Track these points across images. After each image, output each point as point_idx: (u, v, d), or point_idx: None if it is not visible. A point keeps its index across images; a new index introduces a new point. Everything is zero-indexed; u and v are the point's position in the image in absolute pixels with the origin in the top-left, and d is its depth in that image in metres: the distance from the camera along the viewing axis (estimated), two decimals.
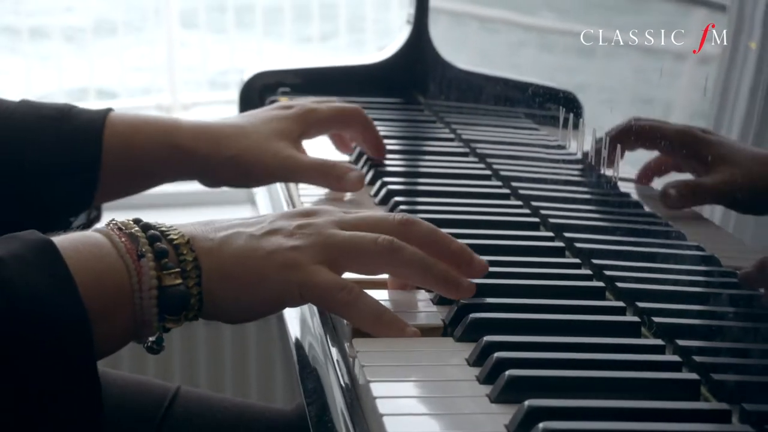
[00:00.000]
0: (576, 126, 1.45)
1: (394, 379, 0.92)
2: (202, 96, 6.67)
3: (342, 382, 0.97)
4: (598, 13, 1.44)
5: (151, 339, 0.95)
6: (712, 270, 1.03)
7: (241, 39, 6.58)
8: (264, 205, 1.62)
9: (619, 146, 1.18)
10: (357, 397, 0.94)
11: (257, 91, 1.89)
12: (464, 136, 1.64)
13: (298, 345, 1.11)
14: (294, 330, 1.15)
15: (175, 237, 0.95)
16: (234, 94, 1.98)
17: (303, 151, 1.38)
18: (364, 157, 1.49)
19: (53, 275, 0.88)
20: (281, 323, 1.29)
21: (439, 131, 1.70)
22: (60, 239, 0.92)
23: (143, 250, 0.93)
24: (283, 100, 1.48)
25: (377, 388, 0.89)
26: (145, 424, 1.23)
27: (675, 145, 1.10)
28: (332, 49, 6.91)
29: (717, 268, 1.02)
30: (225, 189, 1.42)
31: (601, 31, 1.40)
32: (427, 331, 1.01)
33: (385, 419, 0.85)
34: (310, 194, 1.39)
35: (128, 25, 6.81)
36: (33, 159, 1.25)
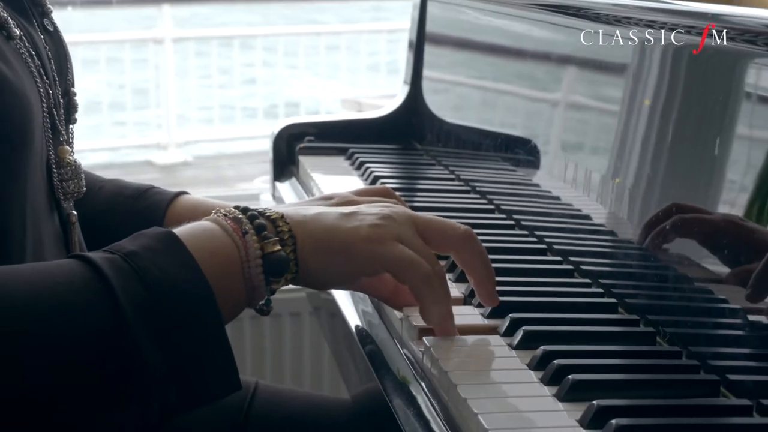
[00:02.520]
0: (537, 166, 1.43)
1: (474, 383, 0.89)
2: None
3: (422, 383, 0.94)
4: (545, 80, 1.43)
5: (261, 302, 0.92)
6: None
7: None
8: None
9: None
10: (439, 397, 0.91)
11: (285, 139, 1.85)
12: (462, 176, 1.61)
13: (364, 341, 1.08)
14: (353, 322, 1.13)
15: (271, 213, 0.92)
16: None
17: None
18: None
19: (179, 259, 0.85)
20: (335, 320, 1.25)
21: (440, 172, 1.67)
22: (177, 229, 0.89)
23: (246, 227, 0.90)
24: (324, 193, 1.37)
25: (464, 390, 0.86)
26: (233, 415, 1.20)
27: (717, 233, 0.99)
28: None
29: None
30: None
31: (547, 94, 1.40)
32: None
33: (480, 417, 0.82)
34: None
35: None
36: (111, 227, 1.18)
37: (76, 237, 1.06)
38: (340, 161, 1.76)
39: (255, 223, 0.91)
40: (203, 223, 0.91)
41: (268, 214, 0.92)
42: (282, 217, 0.92)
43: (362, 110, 4.87)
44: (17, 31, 0.98)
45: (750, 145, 0.95)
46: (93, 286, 0.81)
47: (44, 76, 1.01)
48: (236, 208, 0.93)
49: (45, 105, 1.00)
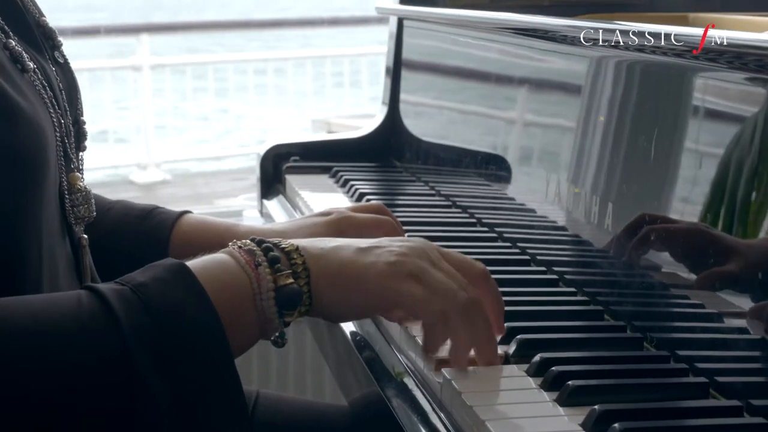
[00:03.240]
0: (507, 181, 1.43)
1: (477, 391, 0.87)
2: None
3: (424, 390, 0.92)
4: (509, 100, 1.43)
5: (275, 334, 0.88)
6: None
7: None
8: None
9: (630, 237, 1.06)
10: (443, 404, 0.89)
11: (271, 159, 1.83)
12: (443, 192, 1.59)
13: (361, 348, 1.06)
14: (348, 327, 1.11)
15: (286, 246, 0.87)
16: None
17: None
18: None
19: (188, 290, 0.80)
20: (328, 326, 1.23)
21: (421, 188, 1.66)
22: (192, 261, 0.85)
23: (259, 260, 0.85)
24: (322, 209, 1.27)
25: (469, 398, 0.85)
26: None
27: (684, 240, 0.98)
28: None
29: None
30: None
31: (508, 113, 1.39)
32: None
33: (488, 423, 0.80)
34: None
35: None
36: (120, 247, 1.17)
37: (87, 260, 1.03)
38: (325, 179, 1.74)
39: (269, 255, 0.86)
40: (217, 255, 0.87)
41: (282, 246, 0.87)
42: (297, 249, 0.87)
43: (332, 130, 4.86)
44: (31, 65, 0.95)
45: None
46: (99, 317, 0.78)
47: (56, 106, 0.99)
48: (252, 240, 0.88)
49: (58, 134, 0.97)
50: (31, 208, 0.91)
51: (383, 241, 0.91)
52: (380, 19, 2.08)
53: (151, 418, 0.76)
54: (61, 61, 1.05)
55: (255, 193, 1.88)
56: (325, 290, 0.87)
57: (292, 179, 1.74)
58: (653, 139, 1.02)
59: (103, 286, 0.81)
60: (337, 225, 1.18)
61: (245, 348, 0.86)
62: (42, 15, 1.05)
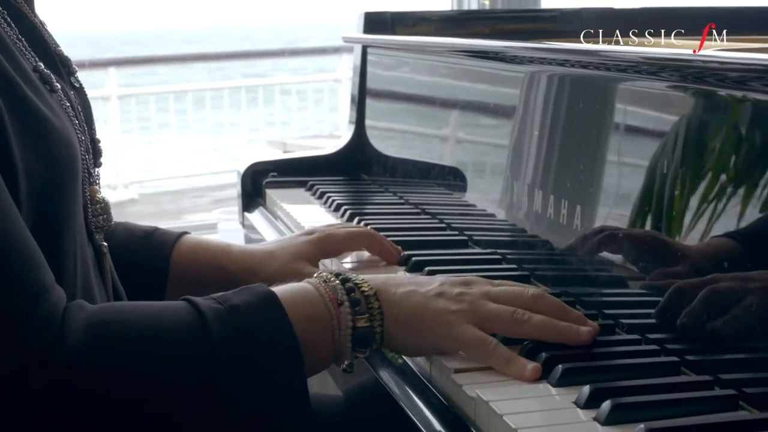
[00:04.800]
0: (464, 189, 1.43)
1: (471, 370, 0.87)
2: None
3: (422, 376, 0.92)
4: (463, 122, 1.44)
5: (346, 362, 0.89)
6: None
7: None
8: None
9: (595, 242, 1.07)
10: (437, 385, 0.89)
11: (250, 175, 1.82)
12: (411, 200, 1.59)
13: None
14: None
15: (366, 289, 0.90)
16: None
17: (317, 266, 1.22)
18: (356, 219, 1.44)
19: (275, 318, 0.84)
20: None
21: (390, 198, 1.65)
22: (281, 290, 0.88)
23: (342, 299, 0.88)
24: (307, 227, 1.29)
25: (459, 377, 0.85)
26: None
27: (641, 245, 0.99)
28: None
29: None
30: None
31: (460, 133, 1.39)
32: None
33: (492, 404, 0.79)
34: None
35: None
36: (125, 265, 1.13)
37: (107, 266, 1.02)
38: (302, 192, 1.73)
39: (351, 296, 0.89)
40: (304, 289, 0.90)
41: (363, 289, 0.90)
42: (374, 294, 0.89)
43: (287, 150, 4.83)
44: (58, 86, 0.94)
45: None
46: (196, 333, 0.82)
47: (77, 125, 0.97)
48: (336, 276, 0.90)
49: (82, 149, 0.96)
50: (67, 215, 0.90)
51: (445, 287, 0.92)
52: (335, 50, 2.08)
53: (228, 429, 0.80)
54: (77, 85, 1.04)
55: (226, 208, 1.87)
56: (395, 332, 0.90)
57: (272, 193, 1.72)
58: (595, 144, 1.03)
59: (205, 305, 0.84)
60: (321, 243, 1.20)
61: (318, 371, 0.90)
62: (58, 46, 1.03)
